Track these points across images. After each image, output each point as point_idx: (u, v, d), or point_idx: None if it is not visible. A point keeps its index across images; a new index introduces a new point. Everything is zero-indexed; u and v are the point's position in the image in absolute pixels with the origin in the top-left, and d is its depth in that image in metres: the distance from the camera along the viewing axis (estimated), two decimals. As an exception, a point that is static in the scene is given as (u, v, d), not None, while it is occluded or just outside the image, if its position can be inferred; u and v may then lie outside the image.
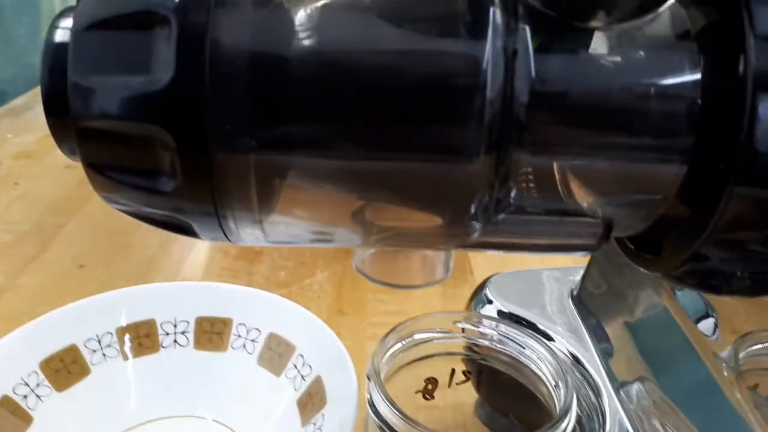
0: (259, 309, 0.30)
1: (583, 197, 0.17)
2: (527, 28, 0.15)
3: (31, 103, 0.72)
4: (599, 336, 0.28)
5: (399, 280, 0.24)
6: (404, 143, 0.15)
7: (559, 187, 0.16)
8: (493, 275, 0.31)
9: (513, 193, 0.16)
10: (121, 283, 0.42)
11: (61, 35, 0.16)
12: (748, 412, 0.20)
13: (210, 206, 0.15)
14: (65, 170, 0.55)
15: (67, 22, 0.16)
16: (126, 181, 0.15)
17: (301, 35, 0.14)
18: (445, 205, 0.16)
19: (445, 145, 0.15)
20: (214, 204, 0.15)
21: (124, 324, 0.29)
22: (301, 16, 0.15)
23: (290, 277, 0.42)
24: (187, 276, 0.42)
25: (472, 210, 0.16)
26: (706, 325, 0.27)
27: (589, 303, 0.30)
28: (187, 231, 0.17)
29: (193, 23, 0.14)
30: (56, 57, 0.15)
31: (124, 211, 0.17)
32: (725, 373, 0.21)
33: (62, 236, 0.46)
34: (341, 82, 0.14)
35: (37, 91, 0.75)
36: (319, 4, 0.15)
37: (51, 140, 0.16)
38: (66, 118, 0.15)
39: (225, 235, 0.16)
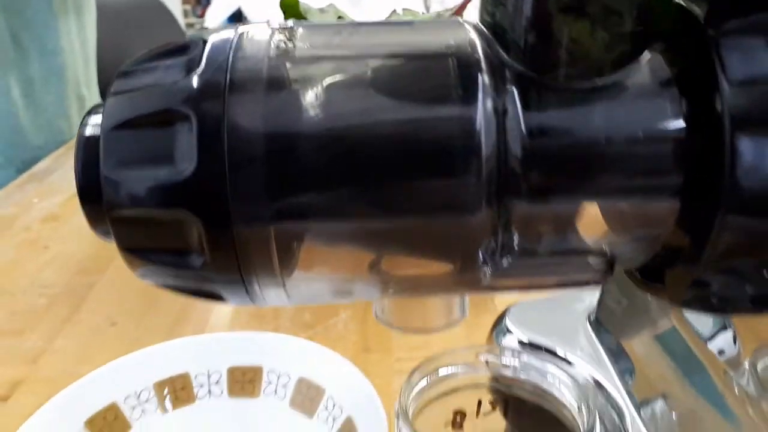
0: (287, 355, 0.31)
1: (582, 237, 0.18)
2: (515, 89, 0.16)
3: (54, 167, 0.73)
4: (618, 356, 0.29)
5: (419, 325, 0.25)
6: (411, 203, 0.16)
7: (559, 229, 0.17)
8: (511, 306, 0.32)
9: (516, 238, 0.17)
10: (152, 337, 0.44)
11: (90, 131, 0.17)
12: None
13: (236, 275, 0.17)
14: (91, 230, 0.57)
15: (95, 119, 0.17)
16: (159, 261, 0.16)
17: (309, 114, 0.16)
18: (455, 254, 0.17)
19: (449, 201, 0.16)
20: (240, 273, 0.17)
21: (160, 379, 0.31)
22: (308, 96, 0.16)
23: (315, 318, 0.43)
24: (216, 324, 0.43)
25: (480, 257, 0.17)
26: (725, 339, 0.27)
27: (607, 323, 0.31)
28: (216, 297, 0.18)
29: (210, 116, 0.15)
30: (87, 151, 0.17)
31: (156, 285, 0.18)
32: (736, 392, 0.22)
33: (93, 296, 0.48)
34: (349, 155, 0.16)
35: (59, 154, 0.78)
36: (324, 84, 0.16)
37: (75, 202, 0.17)
38: (100, 205, 0.16)
39: (251, 299, 0.18)
